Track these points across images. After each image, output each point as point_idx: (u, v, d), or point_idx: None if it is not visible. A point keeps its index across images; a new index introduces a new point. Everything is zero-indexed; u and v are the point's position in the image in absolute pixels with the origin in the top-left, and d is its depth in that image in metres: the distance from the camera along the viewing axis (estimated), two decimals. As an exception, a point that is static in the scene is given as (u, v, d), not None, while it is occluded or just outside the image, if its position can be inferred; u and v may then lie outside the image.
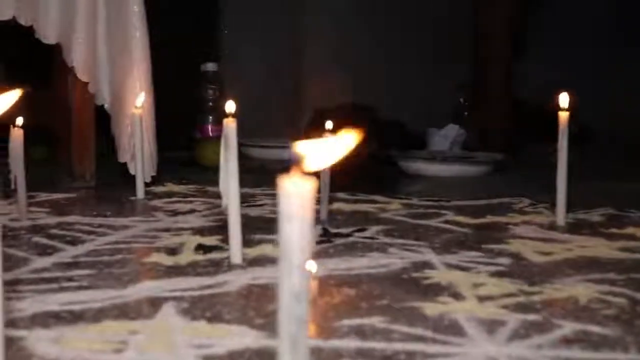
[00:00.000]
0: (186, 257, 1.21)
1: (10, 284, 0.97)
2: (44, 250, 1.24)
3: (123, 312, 0.92)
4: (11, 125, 1.45)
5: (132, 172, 1.82)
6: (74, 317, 0.90)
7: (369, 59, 2.84)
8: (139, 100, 1.78)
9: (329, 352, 0.77)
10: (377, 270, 1.14)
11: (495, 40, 2.81)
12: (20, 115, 1.50)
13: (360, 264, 1.17)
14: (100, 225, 1.44)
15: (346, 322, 0.88)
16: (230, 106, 1.15)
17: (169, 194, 1.80)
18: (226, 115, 1.13)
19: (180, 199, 1.75)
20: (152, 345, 0.79)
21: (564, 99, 1.42)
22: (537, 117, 2.03)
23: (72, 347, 0.79)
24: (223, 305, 0.95)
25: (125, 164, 1.87)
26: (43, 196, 1.70)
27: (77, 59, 1.82)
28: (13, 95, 0.43)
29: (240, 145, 1.63)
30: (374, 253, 1.24)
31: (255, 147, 2.43)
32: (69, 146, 1.95)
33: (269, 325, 0.86)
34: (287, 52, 2.94)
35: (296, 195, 0.42)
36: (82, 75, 1.84)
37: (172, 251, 1.24)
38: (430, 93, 2.87)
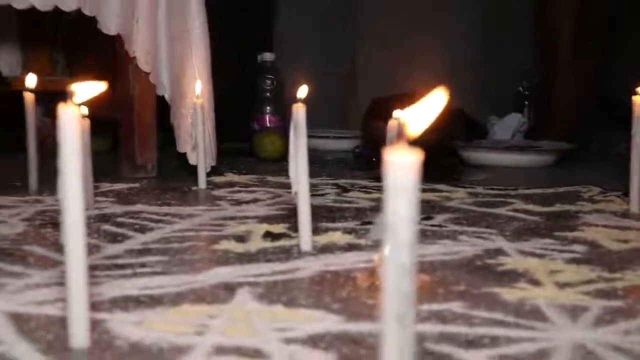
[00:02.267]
0: (255, 244, 1.22)
1: (89, 269, 0.99)
2: (114, 238, 1.26)
3: (200, 296, 0.93)
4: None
5: (192, 162, 1.84)
6: (153, 301, 0.91)
7: (423, 45, 2.83)
8: (197, 89, 1.79)
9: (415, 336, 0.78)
10: (449, 257, 1.14)
11: (560, 29, 2.81)
12: (86, 106, 1.53)
13: (432, 251, 1.17)
14: (166, 214, 1.46)
15: (425, 307, 0.88)
16: (302, 91, 1.15)
17: (230, 184, 1.81)
18: (296, 101, 1.13)
19: (242, 188, 1.76)
20: (233, 329, 0.80)
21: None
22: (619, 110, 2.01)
23: (155, 329, 0.81)
24: (298, 290, 0.96)
25: (184, 155, 1.88)
26: (107, 186, 1.72)
27: (139, 49, 1.84)
28: (97, 87, 0.44)
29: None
30: (445, 240, 1.25)
31: (313, 137, 2.43)
32: (131, 137, 1.97)
33: (346, 310, 0.87)
34: (342, 40, 2.94)
35: (403, 168, 0.42)
36: (143, 66, 1.85)
37: (241, 239, 1.25)
38: (493, 80, 2.85)
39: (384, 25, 2.90)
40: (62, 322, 0.81)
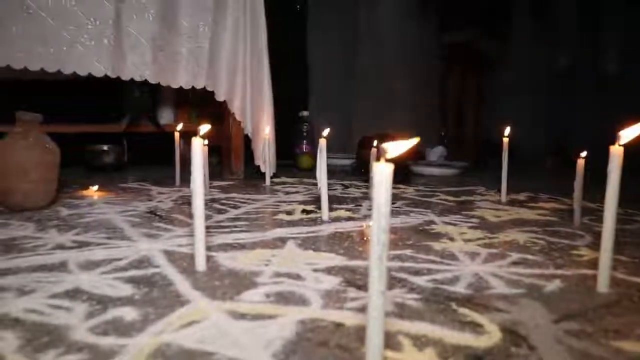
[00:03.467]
0: (297, 216, 1.23)
1: (206, 228, 1.01)
2: (220, 211, 1.27)
3: (266, 244, 0.95)
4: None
5: (262, 170, 1.85)
6: (240, 247, 0.93)
7: (389, 111, 2.83)
8: (267, 130, 1.81)
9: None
10: (405, 224, 1.15)
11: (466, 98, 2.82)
12: (205, 138, 1.55)
13: (395, 221, 1.18)
14: (248, 199, 1.47)
15: (391, 252, 0.89)
16: (326, 132, 1.17)
17: (283, 183, 1.82)
18: (321, 137, 1.14)
19: (289, 186, 1.77)
20: (284, 263, 0.82)
21: (506, 130, 1.42)
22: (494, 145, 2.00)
23: (240, 262, 0.82)
24: (321, 242, 0.97)
25: (259, 166, 1.90)
26: (216, 183, 1.73)
27: (236, 108, 1.86)
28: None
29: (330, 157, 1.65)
30: (402, 215, 1.25)
31: (329, 157, 2.44)
32: (229, 156, 1.99)
33: (347, 253, 0.88)
34: (348, 104, 2.94)
35: (383, 172, 0.44)
36: (238, 117, 1.87)
37: (289, 213, 1.26)
38: (429, 128, 2.85)
39: (372, 88, 2.90)
40: (189, 256, 0.83)
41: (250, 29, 1.89)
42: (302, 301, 0.65)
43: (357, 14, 2.94)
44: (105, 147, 2.01)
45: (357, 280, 0.74)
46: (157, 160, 2.29)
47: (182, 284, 0.70)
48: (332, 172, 2.16)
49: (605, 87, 2.57)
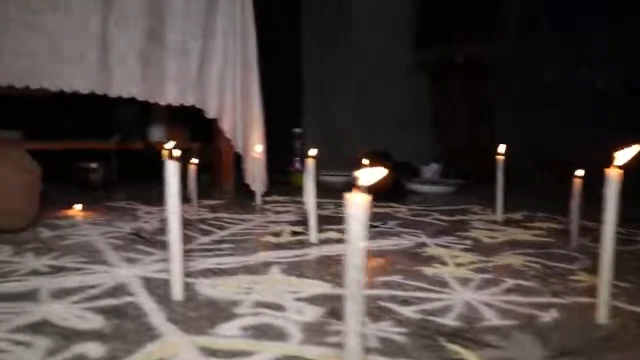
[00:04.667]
0: (285, 238, 1.19)
1: (187, 252, 0.97)
2: (205, 232, 1.23)
3: (249, 270, 0.91)
4: (189, 164, 1.47)
5: (253, 189, 1.81)
6: (221, 272, 0.89)
7: (383, 128, 2.79)
8: (258, 148, 1.77)
9: (371, 297, 0.75)
10: (395, 247, 1.11)
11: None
12: (195, 158, 1.52)
13: (385, 243, 1.14)
14: (236, 219, 1.43)
15: (379, 278, 0.86)
16: (313, 152, 1.13)
17: (274, 202, 1.78)
18: (309, 157, 1.11)
19: (280, 205, 1.73)
20: (266, 292, 0.78)
21: (501, 149, 1.39)
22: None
23: (220, 290, 0.78)
24: (306, 267, 0.93)
25: (248, 185, 1.86)
26: (205, 202, 1.69)
27: (226, 125, 1.83)
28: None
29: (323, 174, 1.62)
30: (393, 237, 1.21)
31: (322, 175, 2.40)
32: (219, 174, 1.95)
33: (334, 280, 0.85)
34: (343, 121, 2.90)
35: (358, 204, 0.40)
36: (228, 135, 1.84)
37: (276, 235, 1.22)
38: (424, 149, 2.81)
39: (365, 104, 2.87)
40: (168, 283, 0.79)
41: (240, 46, 1.86)
42: (280, 335, 0.61)
43: (346, 29, 2.91)
44: (93, 165, 1.97)
45: (341, 310, 0.69)
46: (147, 178, 2.25)
47: (155, 315, 0.66)
48: (326, 189, 2.13)
49: (603, 100, 2.54)
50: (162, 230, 1.26)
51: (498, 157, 1.40)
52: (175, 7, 1.77)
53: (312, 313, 0.68)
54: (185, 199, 1.67)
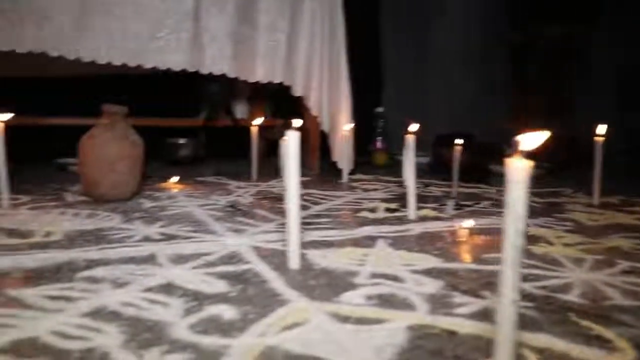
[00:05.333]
0: (381, 214, 1.19)
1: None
2: (302, 207, 1.24)
3: (356, 242, 0.91)
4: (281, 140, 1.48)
5: (339, 167, 1.81)
6: (328, 244, 0.90)
7: (462, 110, 2.73)
8: (347, 127, 1.77)
9: (482, 273, 0.74)
10: (496, 226, 1.09)
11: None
12: (280, 134, 1.53)
13: (484, 222, 1.11)
14: (328, 195, 1.44)
15: (490, 255, 0.84)
16: (414, 128, 1.12)
17: (360, 180, 1.78)
18: (408, 133, 1.10)
19: (366, 183, 1.72)
20: (379, 264, 0.78)
21: (601, 130, 1.34)
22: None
23: (333, 260, 0.79)
24: (411, 242, 0.93)
25: (335, 162, 1.86)
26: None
27: (312, 103, 1.83)
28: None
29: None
30: (492, 216, 1.18)
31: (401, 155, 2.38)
32: (305, 151, 1.96)
33: (443, 255, 0.84)
34: (421, 102, 2.85)
35: (520, 168, 0.40)
36: (314, 113, 1.84)
37: (372, 210, 1.22)
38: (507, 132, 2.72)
39: (445, 86, 2.81)
40: (280, 253, 0.80)
41: (328, 22, 1.86)
42: (406, 305, 0.61)
43: (430, 9, 2.86)
44: (182, 141, 2.02)
45: (459, 284, 0.69)
46: (230, 154, 2.29)
47: (276, 282, 0.67)
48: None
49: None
50: (257, 203, 1.28)
51: (597, 138, 1.35)
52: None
53: (432, 285, 0.68)
54: (276, 173, 1.70)
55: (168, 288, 0.64)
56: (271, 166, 1.78)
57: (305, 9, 1.83)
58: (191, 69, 1.69)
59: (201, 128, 2.07)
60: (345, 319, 0.56)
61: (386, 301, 0.62)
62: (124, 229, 0.97)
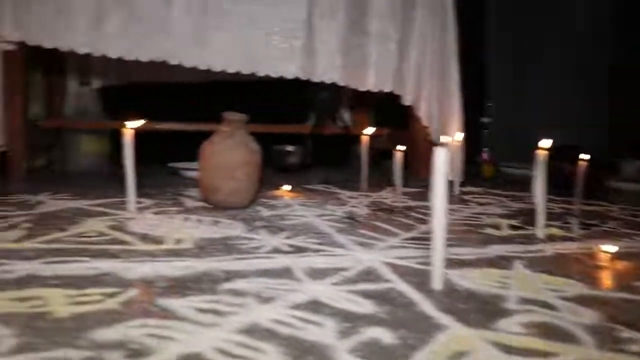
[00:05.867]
0: (505, 231, 1.14)
1: (412, 239, 0.98)
2: (420, 221, 1.22)
3: (490, 263, 0.88)
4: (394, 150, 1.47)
5: (450, 178, 1.76)
6: (460, 262, 0.87)
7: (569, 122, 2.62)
8: (458, 137, 1.73)
9: (638, 303, 0.69)
10: (632, 249, 1.02)
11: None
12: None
13: (620, 245, 1.04)
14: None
15: (635, 283, 0.79)
16: (546, 143, 1.07)
17: (470, 192, 1.73)
18: (539, 149, 1.05)
19: (477, 196, 1.67)
20: (524, 287, 0.74)
21: None
22: None
23: (473, 282, 0.76)
24: (548, 264, 0.88)
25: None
26: (402, 189, 1.67)
27: (422, 113, 1.81)
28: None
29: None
30: (624, 239, 1.11)
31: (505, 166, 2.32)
32: (415, 162, 1.94)
33: (586, 280, 0.79)
34: (526, 112, 2.76)
35: None
36: (425, 122, 1.82)
37: (495, 227, 1.18)
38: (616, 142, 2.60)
39: (549, 96, 2.71)
40: (416, 271, 0.78)
41: (439, 29, 1.83)
42: (569, 337, 0.57)
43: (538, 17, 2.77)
44: (291, 148, 2.04)
45: (619, 315, 0.64)
46: (333, 162, 2.29)
47: (425, 304, 0.65)
48: (514, 182, 2.04)
49: None
50: (373, 215, 1.27)
51: None
52: None
53: (589, 315, 0.64)
54: (388, 183, 1.68)
55: (315, 306, 0.63)
56: (379, 176, 1.76)
57: (416, 17, 1.81)
58: (303, 78, 1.70)
59: (308, 135, 2.08)
60: (509, 350, 0.53)
61: (546, 331, 0.58)
62: (250, 239, 0.97)
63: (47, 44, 1.55)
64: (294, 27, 1.68)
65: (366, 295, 0.68)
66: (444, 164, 0.69)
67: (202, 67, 1.62)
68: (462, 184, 1.85)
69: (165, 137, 1.96)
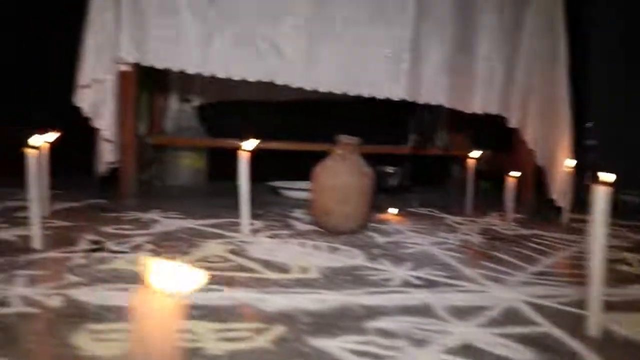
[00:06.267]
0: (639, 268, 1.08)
1: (538, 274, 0.93)
2: (539, 252, 1.17)
3: (636, 307, 0.83)
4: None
5: (559, 204, 1.70)
6: (608, 305, 0.81)
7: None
8: (569, 163, 1.65)
9: None
10: None
11: None
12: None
13: None
14: (557, 238, 1.34)
15: None
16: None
17: (581, 220, 1.64)
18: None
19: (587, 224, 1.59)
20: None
21: None
22: None
23: (627, 328, 0.72)
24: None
25: (552, 200, 1.74)
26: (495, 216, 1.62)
27: (528, 136, 1.75)
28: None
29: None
30: None
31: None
32: (519, 186, 1.87)
33: None
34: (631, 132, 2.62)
35: None
36: (531, 146, 1.76)
37: (627, 263, 1.12)
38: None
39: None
40: (561, 313, 0.75)
41: (548, 55, 1.76)
42: None
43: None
44: (391, 169, 2.02)
45: None
46: (429, 183, 2.26)
47: (589, 355, 0.62)
48: (626, 209, 1.94)
49: None
50: (489, 244, 1.23)
51: None
52: (485, 20, 1.74)
53: None
54: (494, 209, 1.63)
55: (471, 351, 0.61)
56: (478, 199, 1.70)
57: (523, 40, 1.76)
58: (409, 99, 1.68)
59: (407, 156, 2.06)
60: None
61: None
62: (376, 270, 0.96)
63: (159, 65, 1.59)
64: (402, 48, 1.67)
65: (518, 339, 0.65)
66: (605, 204, 0.66)
67: (308, 87, 1.63)
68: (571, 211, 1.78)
69: (261, 155, 1.98)
